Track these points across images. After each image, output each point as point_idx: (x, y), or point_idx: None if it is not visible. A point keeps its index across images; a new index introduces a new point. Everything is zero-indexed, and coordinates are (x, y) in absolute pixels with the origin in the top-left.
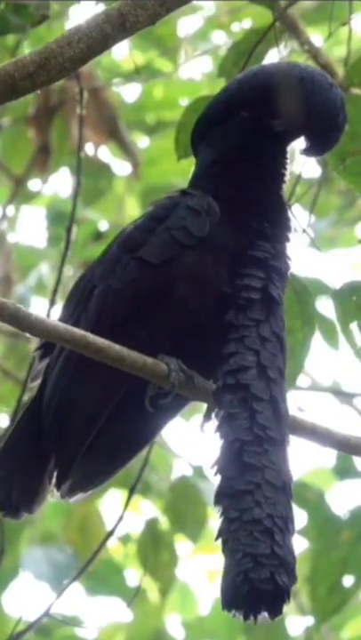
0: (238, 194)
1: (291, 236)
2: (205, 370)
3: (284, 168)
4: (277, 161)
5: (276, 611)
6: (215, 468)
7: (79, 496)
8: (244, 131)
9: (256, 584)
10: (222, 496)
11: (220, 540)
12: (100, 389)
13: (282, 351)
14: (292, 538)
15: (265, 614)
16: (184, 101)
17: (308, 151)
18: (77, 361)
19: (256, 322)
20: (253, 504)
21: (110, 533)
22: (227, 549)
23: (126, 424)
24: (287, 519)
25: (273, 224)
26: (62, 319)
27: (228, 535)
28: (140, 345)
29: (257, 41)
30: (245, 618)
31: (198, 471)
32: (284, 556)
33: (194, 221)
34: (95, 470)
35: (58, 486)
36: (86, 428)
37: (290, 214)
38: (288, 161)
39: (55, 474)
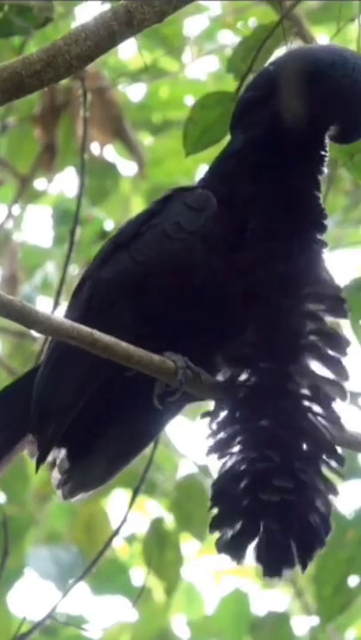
0: (255, 185)
1: (316, 225)
2: (211, 367)
3: (321, 156)
4: (310, 148)
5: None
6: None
7: (81, 496)
8: (277, 116)
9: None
10: None
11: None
12: (80, 375)
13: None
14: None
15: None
16: (190, 101)
17: (340, 136)
18: (63, 347)
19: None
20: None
21: (115, 533)
22: (214, 492)
23: (131, 422)
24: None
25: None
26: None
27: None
28: (142, 340)
29: (265, 37)
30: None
31: (204, 470)
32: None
33: (187, 217)
34: (98, 469)
35: (59, 486)
36: (65, 411)
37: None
38: (325, 149)
39: (35, 457)
